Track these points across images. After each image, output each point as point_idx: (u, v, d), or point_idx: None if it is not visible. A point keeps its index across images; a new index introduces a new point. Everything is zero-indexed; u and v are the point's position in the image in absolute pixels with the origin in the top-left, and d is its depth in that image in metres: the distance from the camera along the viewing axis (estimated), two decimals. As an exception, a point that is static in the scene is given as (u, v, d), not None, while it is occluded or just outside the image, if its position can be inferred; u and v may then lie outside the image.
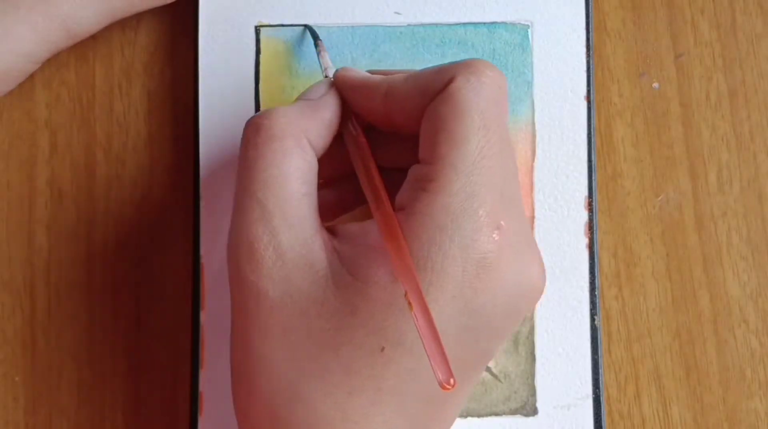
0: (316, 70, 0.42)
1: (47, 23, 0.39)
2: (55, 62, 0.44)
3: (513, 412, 0.42)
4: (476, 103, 0.33)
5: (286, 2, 0.43)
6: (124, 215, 0.43)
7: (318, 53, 0.40)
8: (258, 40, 0.43)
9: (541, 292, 0.34)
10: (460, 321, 0.32)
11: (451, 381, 0.29)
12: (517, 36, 0.43)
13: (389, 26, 0.43)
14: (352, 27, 0.43)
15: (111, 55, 0.44)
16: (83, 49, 0.44)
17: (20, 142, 0.43)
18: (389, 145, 0.38)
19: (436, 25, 0.43)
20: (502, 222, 0.33)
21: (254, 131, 0.34)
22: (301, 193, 0.34)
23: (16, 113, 0.44)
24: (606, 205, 0.43)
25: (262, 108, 0.42)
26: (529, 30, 0.43)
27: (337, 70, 0.38)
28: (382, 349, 0.32)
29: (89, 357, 0.43)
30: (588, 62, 0.42)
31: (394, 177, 0.36)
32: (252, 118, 0.35)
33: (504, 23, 0.43)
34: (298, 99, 0.37)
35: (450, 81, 0.33)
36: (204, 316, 0.42)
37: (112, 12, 0.40)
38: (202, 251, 0.42)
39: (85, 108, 0.44)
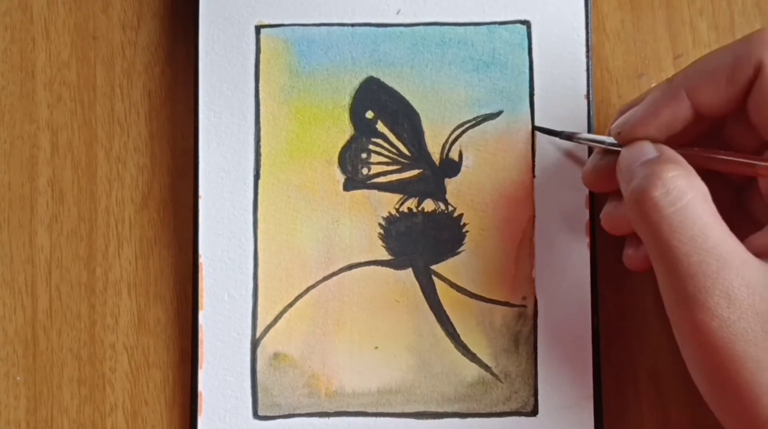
0: (315, 69, 0.43)
1: None
2: (56, 63, 0.44)
3: (513, 412, 0.42)
4: None
5: (286, 2, 0.43)
6: (124, 215, 0.43)
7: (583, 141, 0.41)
8: (258, 40, 0.43)
9: None
10: None
11: None
12: (516, 36, 0.43)
13: (389, 26, 0.43)
14: (352, 26, 0.43)
15: (112, 56, 0.44)
16: (84, 49, 0.44)
17: (21, 143, 0.44)
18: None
19: (437, 24, 0.43)
20: None
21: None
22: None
23: (17, 114, 0.44)
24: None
25: (262, 108, 0.43)
26: (529, 29, 0.43)
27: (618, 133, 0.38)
28: None
29: (90, 356, 0.43)
30: (587, 61, 0.42)
31: None
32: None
33: (504, 23, 0.43)
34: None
35: (760, 66, 0.34)
36: (202, 316, 0.42)
37: None
38: (201, 251, 0.42)
39: (86, 108, 0.44)
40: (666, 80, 0.37)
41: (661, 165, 0.34)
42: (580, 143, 0.41)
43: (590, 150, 0.42)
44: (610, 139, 0.38)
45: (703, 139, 0.38)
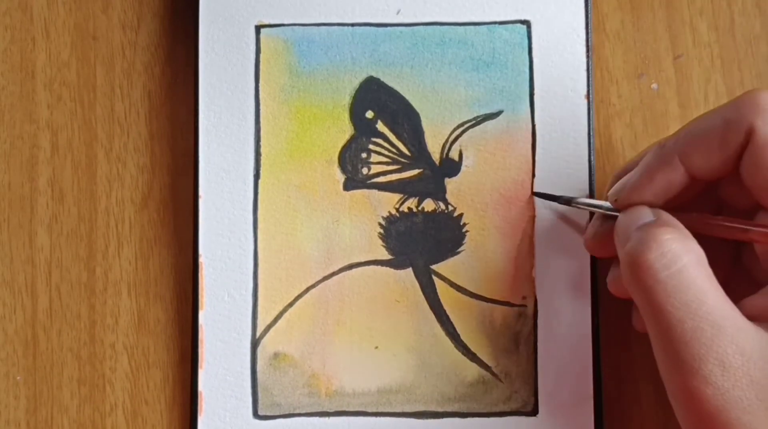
0: (315, 69, 0.43)
1: None
2: (56, 63, 0.44)
3: (513, 411, 0.42)
4: None
5: (286, 2, 0.43)
6: (124, 215, 0.43)
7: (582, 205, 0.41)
8: (258, 40, 0.43)
9: None
10: None
11: None
12: (516, 35, 0.43)
13: (389, 26, 0.43)
14: (352, 26, 0.43)
15: (112, 56, 0.44)
16: (84, 50, 0.44)
17: (21, 143, 0.44)
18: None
19: (437, 24, 0.43)
20: None
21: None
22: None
23: (17, 114, 0.44)
24: (605, 206, 0.43)
25: (262, 108, 0.43)
26: (529, 29, 0.43)
27: (615, 199, 0.38)
28: None
29: (90, 356, 0.43)
30: (587, 61, 0.42)
31: None
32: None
33: (504, 23, 0.43)
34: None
35: (750, 131, 0.34)
36: (202, 316, 0.42)
37: None
38: (201, 250, 0.42)
39: (86, 108, 0.44)
40: (659, 142, 0.37)
41: (656, 228, 0.34)
42: (579, 208, 0.41)
43: (589, 147, 0.42)
44: (608, 204, 0.38)
45: (700, 200, 0.38)
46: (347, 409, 0.42)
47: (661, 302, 0.33)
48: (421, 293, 0.42)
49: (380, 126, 0.43)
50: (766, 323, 0.33)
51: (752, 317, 0.33)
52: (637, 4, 0.44)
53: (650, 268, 0.33)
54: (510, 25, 0.43)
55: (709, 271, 0.33)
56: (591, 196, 0.42)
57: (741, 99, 0.34)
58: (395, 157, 0.43)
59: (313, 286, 0.42)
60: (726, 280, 0.34)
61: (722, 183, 0.37)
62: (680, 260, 0.33)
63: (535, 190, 0.42)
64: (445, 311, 0.42)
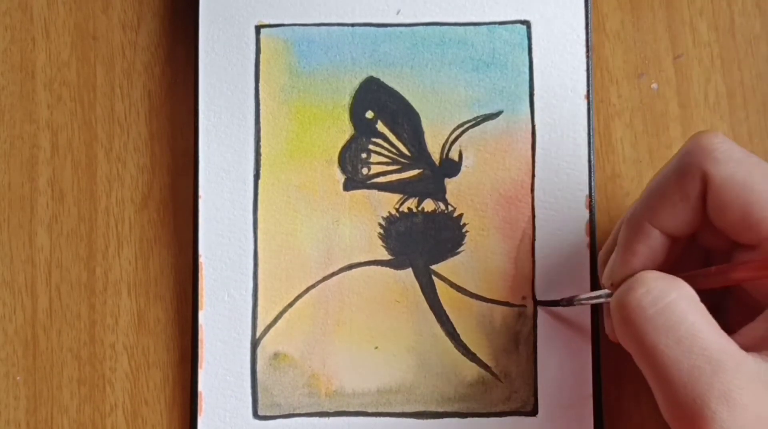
0: (315, 69, 0.43)
1: None
2: (56, 63, 0.44)
3: (513, 411, 0.42)
4: (749, 171, 0.33)
5: (286, 2, 0.43)
6: (124, 215, 0.43)
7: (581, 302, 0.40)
8: (258, 40, 0.43)
9: None
10: None
11: None
12: (516, 36, 0.43)
13: (389, 26, 0.43)
14: (352, 26, 0.43)
15: (112, 56, 0.44)
16: (84, 49, 0.44)
17: (21, 143, 0.44)
18: None
19: (437, 24, 0.43)
20: None
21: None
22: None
23: (17, 114, 0.44)
24: (605, 206, 0.43)
25: (262, 108, 0.43)
26: (529, 29, 0.43)
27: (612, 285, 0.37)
28: None
29: (90, 356, 0.43)
30: (587, 61, 0.43)
31: None
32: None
33: (504, 23, 0.43)
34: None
35: (705, 177, 0.33)
36: (202, 316, 0.42)
37: None
38: (201, 250, 0.42)
39: (86, 108, 0.44)
40: (629, 210, 0.37)
41: (642, 273, 0.34)
42: (582, 304, 0.41)
43: (589, 147, 0.42)
44: (607, 291, 0.38)
45: (687, 257, 0.37)
46: (347, 410, 0.42)
47: (652, 343, 0.32)
48: (420, 293, 0.42)
49: (380, 126, 0.43)
50: (765, 352, 0.32)
51: (749, 347, 0.32)
52: (637, 4, 0.44)
53: (637, 306, 0.32)
54: (510, 26, 0.43)
55: (701, 305, 0.32)
56: (590, 196, 0.42)
57: (688, 147, 0.34)
58: (395, 157, 0.43)
59: (313, 286, 0.42)
60: (720, 311, 0.33)
61: (699, 233, 0.36)
62: (668, 296, 0.32)
63: (536, 189, 0.42)
64: (444, 311, 0.42)
